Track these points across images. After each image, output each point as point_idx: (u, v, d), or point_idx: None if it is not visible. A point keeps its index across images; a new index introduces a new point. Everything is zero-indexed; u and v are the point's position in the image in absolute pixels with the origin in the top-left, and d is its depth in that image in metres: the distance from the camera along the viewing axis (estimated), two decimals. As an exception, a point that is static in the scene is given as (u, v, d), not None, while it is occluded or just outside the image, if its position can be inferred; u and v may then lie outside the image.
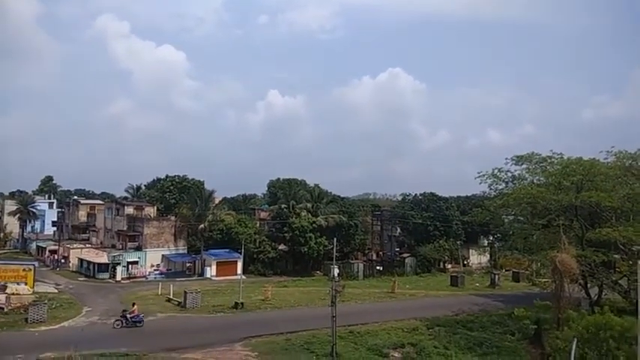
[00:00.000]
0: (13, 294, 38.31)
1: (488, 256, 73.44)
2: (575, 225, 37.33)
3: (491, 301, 45.62)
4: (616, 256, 35.46)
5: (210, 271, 58.17)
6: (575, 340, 19.00)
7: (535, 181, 40.91)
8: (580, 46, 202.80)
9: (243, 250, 47.30)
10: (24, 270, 43.73)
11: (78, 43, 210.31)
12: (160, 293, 44.82)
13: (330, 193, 75.65)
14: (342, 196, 79.50)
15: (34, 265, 46.62)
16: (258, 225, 69.22)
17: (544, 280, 37.09)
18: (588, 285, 36.84)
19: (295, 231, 61.30)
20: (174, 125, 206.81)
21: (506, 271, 64.15)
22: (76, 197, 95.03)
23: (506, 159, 41.47)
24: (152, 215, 66.05)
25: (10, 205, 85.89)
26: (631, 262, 31.87)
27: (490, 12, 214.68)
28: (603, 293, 37.78)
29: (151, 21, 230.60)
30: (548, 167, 39.78)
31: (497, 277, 57.09)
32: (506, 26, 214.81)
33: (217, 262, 58.54)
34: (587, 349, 21.20)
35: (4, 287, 39.89)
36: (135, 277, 56.43)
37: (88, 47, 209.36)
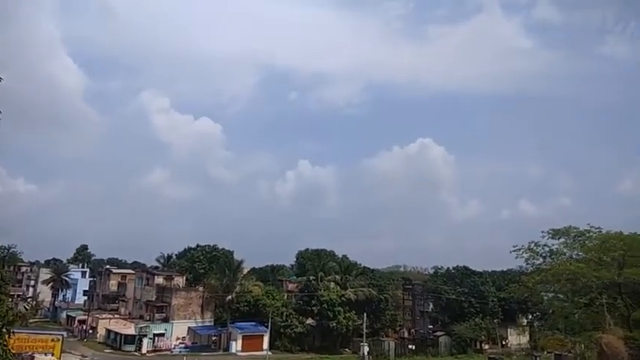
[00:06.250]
0: (39, 365, 38.07)
1: (528, 336, 69.17)
2: (619, 304, 35.12)
3: (533, 387, 42.38)
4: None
5: (236, 345, 56.65)
6: None
7: (574, 256, 39.24)
8: (612, 116, 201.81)
9: (270, 324, 46.27)
10: (52, 340, 43.53)
11: (121, 116, 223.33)
12: (184, 368, 43.78)
13: (360, 264, 74.41)
14: (371, 267, 78.05)
15: (62, 335, 46.45)
16: (285, 297, 68.01)
17: (590, 364, 34.46)
18: (640, 371, 33.93)
19: (323, 304, 59.82)
20: (207, 195, 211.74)
21: (547, 353, 59.92)
22: (108, 266, 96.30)
23: (543, 232, 40.05)
24: (181, 285, 66.02)
25: (45, 274, 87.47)
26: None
27: (515, 86, 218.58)
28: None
29: (190, 97, 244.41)
30: (586, 242, 38.22)
31: (538, 359, 53.42)
32: (532, 99, 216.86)
33: (243, 336, 57.12)
34: None
35: (32, 358, 39.72)
36: (160, 350, 55.49)
37: (130, 120, 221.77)
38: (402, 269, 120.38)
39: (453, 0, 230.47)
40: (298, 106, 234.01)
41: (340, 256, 74.98)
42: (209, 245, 78.03)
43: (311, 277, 65.69)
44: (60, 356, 42.64)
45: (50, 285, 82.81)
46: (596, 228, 38.09)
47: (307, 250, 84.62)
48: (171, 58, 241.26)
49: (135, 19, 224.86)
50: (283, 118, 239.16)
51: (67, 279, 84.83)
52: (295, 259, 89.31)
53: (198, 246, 79.19)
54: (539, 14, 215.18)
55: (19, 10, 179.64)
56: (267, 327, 47.17)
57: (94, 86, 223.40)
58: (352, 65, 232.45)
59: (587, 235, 38.22)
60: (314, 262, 71.44)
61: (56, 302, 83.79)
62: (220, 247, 77.50)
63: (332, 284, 63.18)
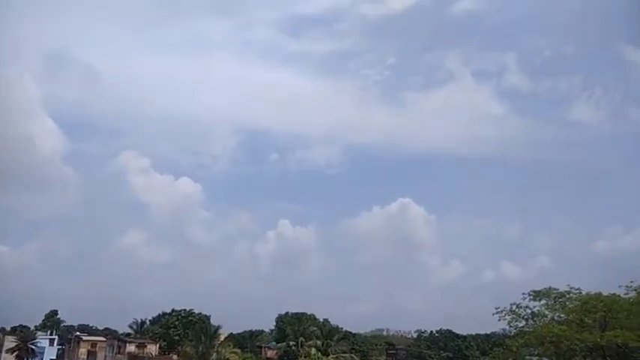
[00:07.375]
0: None
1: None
2: (604, 367, 34.48)
3: None
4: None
5: (211, 418, 53.34)
6: None
7: (555, 317, 38.82)
8: (587, 180, 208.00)
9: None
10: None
11: (99, 177, 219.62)
12: None
13: (342, 328, 72.20)
14: (353, 332, 75.79)
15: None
16: (264, 365, 65.21)
17: None
18: None
19: (304, 372, 57.37)
20: (184, 257, 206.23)
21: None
22: (78, 333, 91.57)
23: (524, 294, 39.74)
24: (154, 354, 62.94)
25: (10, 342, 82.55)
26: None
27: (490, 149, 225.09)
28: None
29: (171, 157, 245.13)
30: (567, 303, 38.00)
31: None
32: (508, 162, 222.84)
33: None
34: None
35: None
36: None
37: (109, 181, 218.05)
38: (384, 333, 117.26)
39: (426, 68, 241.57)
40: (279, 167, 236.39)
41: (321, 319, 72.76)
42: (185, 310, 75.25)
43: (291, 343, 63.39)
44: None
45: (15, 354, 78.11)
46: (576, 289, 37.91)
47: (287, 313, 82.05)
48: (153, 119, 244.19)
49: (118, 82, 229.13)
50: (264, 178, 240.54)
51: (33, 347, 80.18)
52: (275, 324, 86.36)
53: (173, 311, 76.33)
54: (509, 82, 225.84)
55: (1, 72, 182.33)
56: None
57: (73, 147, 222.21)
58: (331, 127, 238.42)
59: (568, 296, 37.98)
60: (294, 327, 69.01)
61: (19, 373, 78.67)
62: (197, 312, 74.76)
63: (313, 350, 60.86)
